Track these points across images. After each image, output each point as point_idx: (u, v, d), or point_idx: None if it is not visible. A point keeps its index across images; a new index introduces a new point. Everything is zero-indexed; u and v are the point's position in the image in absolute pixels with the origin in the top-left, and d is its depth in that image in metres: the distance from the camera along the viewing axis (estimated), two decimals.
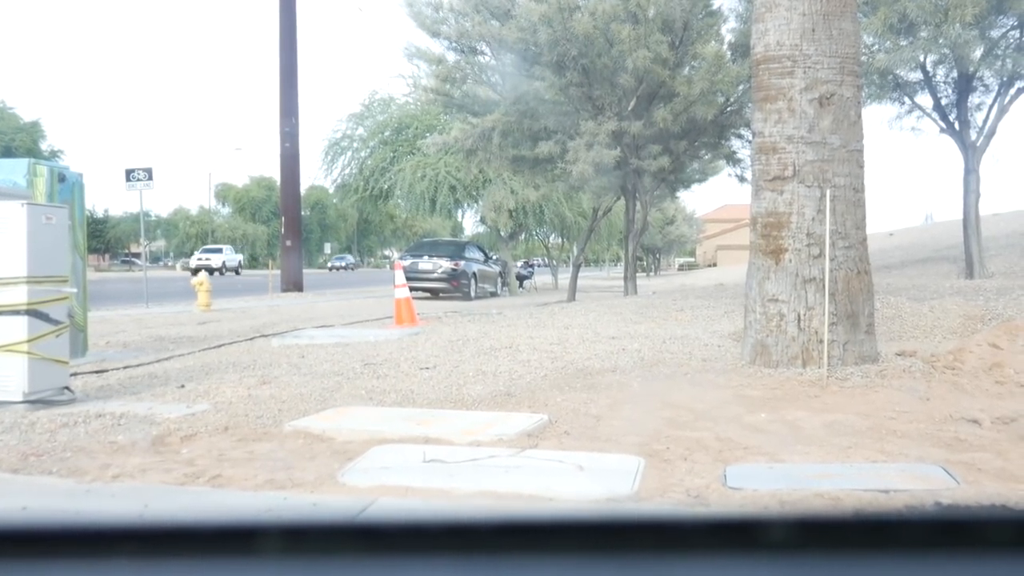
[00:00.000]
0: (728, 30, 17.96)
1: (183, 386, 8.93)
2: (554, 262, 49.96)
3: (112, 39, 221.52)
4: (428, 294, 28.35)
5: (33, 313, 7.77)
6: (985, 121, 16.40)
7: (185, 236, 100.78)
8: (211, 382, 9.12)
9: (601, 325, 12.20)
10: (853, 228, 8.25)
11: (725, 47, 16.53)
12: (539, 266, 58.72)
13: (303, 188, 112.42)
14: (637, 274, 22.13)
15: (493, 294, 32.49)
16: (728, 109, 17.85)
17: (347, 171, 35.98)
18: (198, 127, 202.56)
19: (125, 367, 10.52)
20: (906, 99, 17.03)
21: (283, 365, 10.19)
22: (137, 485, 5.43)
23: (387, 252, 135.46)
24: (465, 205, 34.51)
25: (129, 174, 25.84)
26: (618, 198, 24.16)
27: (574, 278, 25.22)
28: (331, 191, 39.23)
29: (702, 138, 18.63)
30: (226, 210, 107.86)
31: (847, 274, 8.14)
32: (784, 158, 8.21)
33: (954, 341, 9.57)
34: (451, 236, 70.40)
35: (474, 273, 30.14)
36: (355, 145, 36.02)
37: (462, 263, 29.28)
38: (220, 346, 12.51)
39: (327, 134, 38.76)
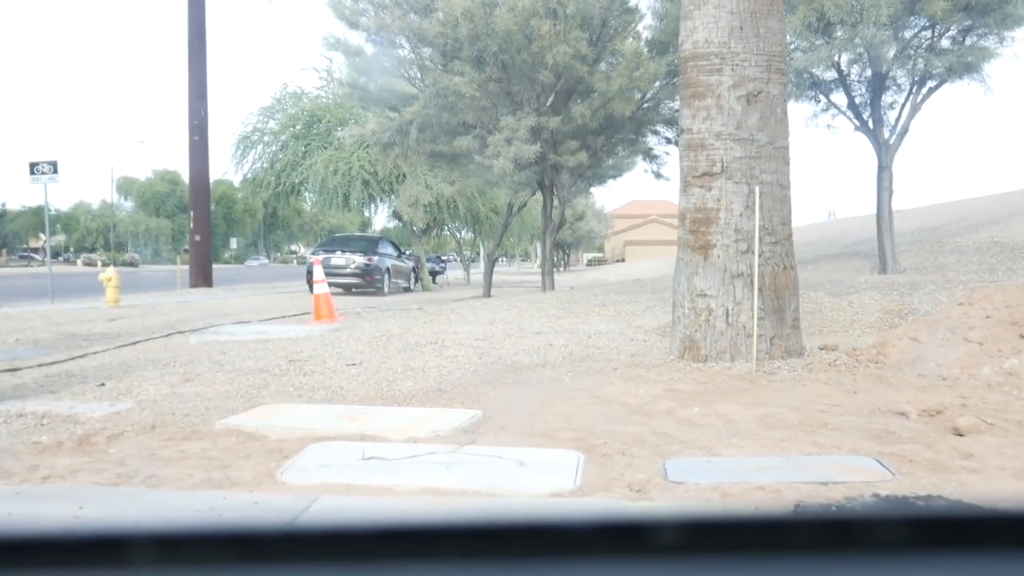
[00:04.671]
0: (645, 27, 18.12)
1: (103, 384, 8.71)
2: (466, 257, 49.96)
3: (6, 24, 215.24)
4: (341, 290, 28.07)
5: None
6: (898, 120, 16.81)
7: (86, 231, 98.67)
8: (132, 380, 8.91)
9: (525, 320, 12.22)
10: (780, 224, 8.38)
11: (643, 44, 16.63)
12: (450, 261, 58.65)
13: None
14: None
15: (406, 289, 32.34)
16: (645, 106, 17.99)
17: (257, 165, 35.46)
18: (99, 119, 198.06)
19: (39, 365, 10.23)
20: (822, 97, 17.36)
21: (204, 362, 10.01)
22: (69, 486, 5.28)
23: (294, 247, 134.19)
24: (378, 200, 34.19)
25: (33, 167, 25.18)
26: (533, 193, 24.26)
27: (489, 273, 25.24)
28: (240, 185, 38.50)
29: (619, 134, 18.76)
30: (129, 204, 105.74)
31: (774, 270, 8.26)
32: (712, 154, 8.30)
33: (874, 335, 9.78)
34: (360, 231, 69.96)
35: (387, 268, 29.97)
36: (266, 139, 35.50)
37: (375, 258, 29.07)
38: (136, 343, 12.24)
39: (237, 128, 38.03)
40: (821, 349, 8.81)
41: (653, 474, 5.33)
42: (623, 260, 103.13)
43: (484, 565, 1.15)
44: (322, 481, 5.24)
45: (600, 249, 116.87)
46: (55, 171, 25.34)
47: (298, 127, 34.67)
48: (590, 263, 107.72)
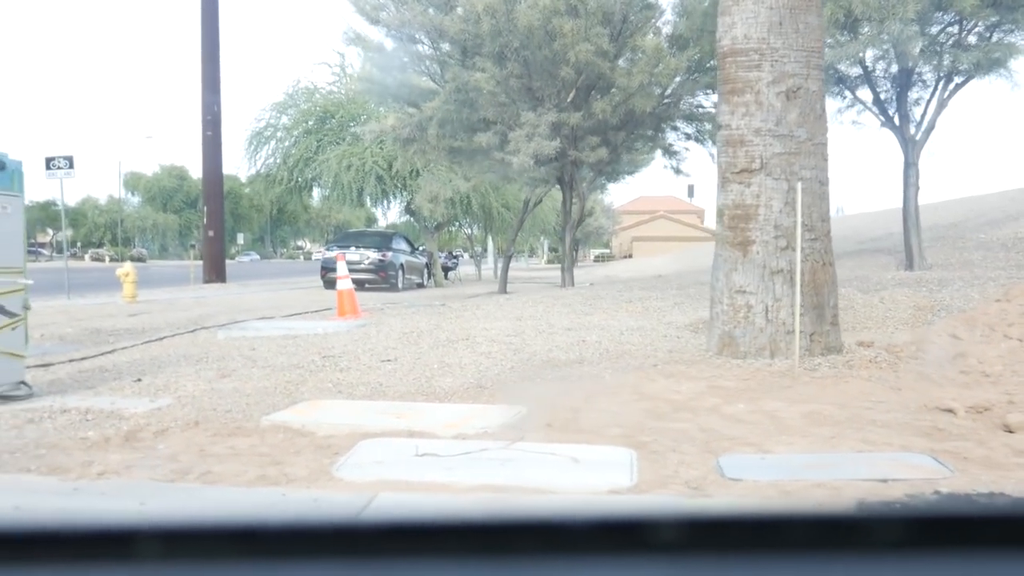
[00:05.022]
0: (664, 22, 18.08)
1: (140, 380, 8.71)
2: (477, 254, 49.96)
3: (14, 18, 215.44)
4: (354, 285, 28.03)
5: None
6: (923, 116, 16.75)
7: (93, 226, 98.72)
8: (167, 376, 8.92)
9: (553, 317, 12.21)
10: (819, 220, 8.36)
11: (663, 39, 16.59)
12: (460, 257, 58.62)
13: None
14: (553, 265, 22.27)
15: (420, 285, 32.33)
16: (666, 101, 17.97)
17: (271, 161, 35.44)
18: (106, 114, 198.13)
19: (70, 360, 10.23)
20: (848, 93, 17.31)
21: (237, 358, 10.01)
22: (125, 482, 5.28)
23: (300, 243, 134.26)
24: (391, 196, 34.14)
25: (49, 162, 25.20)
26: (549, 189, 24.25)
27: (505, 269, 25.22)
28: (252, 181, 38.36)
29: (639, 130, 18.74)
30: (136, 199, 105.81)
31: (813, 266, 8.24)
32: (752, 151, 8.28)
33: (908, 331, 9.76)
34: (365, 227, 69.88)
35: (401, 264, 29.96)
36: (279, 134, 35.47)
37: (389, 254, 29.05)
38: (162, 338, 12.24)
39: (249, 123, 38.12)
40: (859, 345, 8.78)
41: (708, 471, 5.32)
42: (630, 256, 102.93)
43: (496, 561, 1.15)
44: (378, 478, 5.24)
45: (606, 245, 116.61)
46: (71, 166, 25.33)
47: (311, 123, 34.62)
48: (597, 259, 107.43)
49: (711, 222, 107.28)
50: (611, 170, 20.21)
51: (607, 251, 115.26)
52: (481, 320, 12.38)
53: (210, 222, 33.37)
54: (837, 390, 7.29)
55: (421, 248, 34.38)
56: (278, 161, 34.90)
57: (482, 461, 5.54)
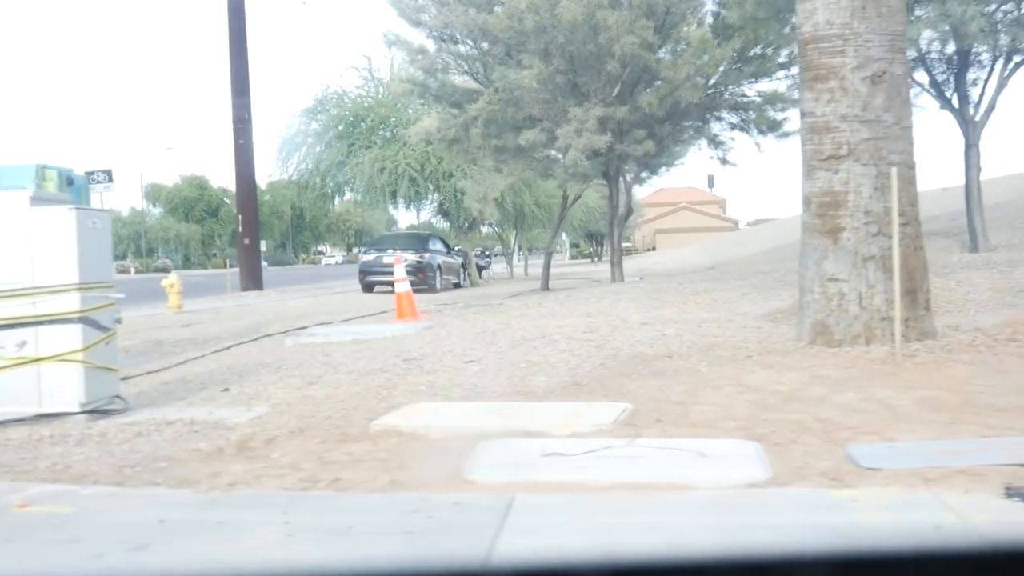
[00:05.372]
0: (707, 12, 17.99)
1: (227, 389, 8.73)
2: (510, 252, 49.96)
3: (31, 31, 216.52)
4: (391, 288, 28.01)
5: (85, 321, 7.53)
6: (981, 96, 16.60)
7: (117, 238, 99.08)
8: (253, 384, 8.93)
9: (621, 312, 12.13)
10: (908, 205, 8.28)
11: (707, 29, 16.49)
12: (491, 257, 58.60)
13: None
14: (577, 261, 22.18)
15: (457, 285, 32.33)
16: (711, 92, 17.89)
17: (302, 166, 35.51)
18: (126, 126, 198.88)
19: (147, 373, 10.28)
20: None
21: (315, 364, 10.00)
22: (256, 492, 5.27)
23: (321, 248, 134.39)
24: (424, 197, 34.15)
25: (89, 176, 25.38)
26: (587, 185, 24.26)
27: (547, 266, 25.23)
28: (286, 186, 38.27)
29: (684, 121, 18.68)
30: (157, 210, 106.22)
31: (905, 251, 8.16)
32: (838, 137, 8.21)
33: (991, 314, 9.67)
34: (389, 230, 69.96)
35: (439, 265, 30.01)
36: (309, 140, 35.53)
37: (427, 255, 29.08)
38: (229, 348, 12.28)
39: (279, 130, 38.06)
40: (949, 329, 8.71)
41: (839, 461, 5.27)
42: (654, 249, 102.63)
43: None
44: (511, 479, 5.21)
45: (627, 239, 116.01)
46: (110, 179, 25.62)
47: (341, 127, 34.64)
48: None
49: (733, 211, 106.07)
50: (655, 163, 20.12)
51: (628, 244, 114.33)
52: (548, 318, 12.33)
53: (245, 230, 33.38)
54: (943, 375, 7.21)
55: (456, 248, 34.41)
56: (310, 167, 34.97)
57: (610, 459, 5.50)
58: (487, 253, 47.85)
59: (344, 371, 9.38)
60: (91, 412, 7.45)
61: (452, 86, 18.56)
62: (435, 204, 35.96)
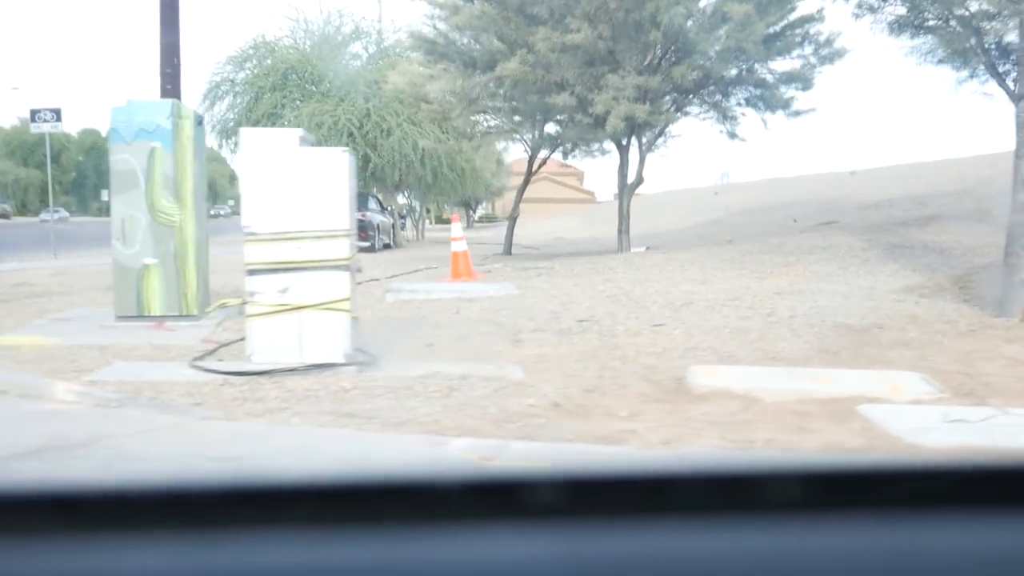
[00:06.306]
0: None
1: (431, 344, 8.47)
2: (418, 216, 49.54)
3: None
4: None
5: (348, 268, 7.23)
6: None
7: None
8: (443, 340, 8.67)
9: (721, 281, 12.01)
10: None
11: (751, 5, 16.60)
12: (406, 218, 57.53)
13: (75, 130, 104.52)
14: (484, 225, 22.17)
15: (387, 246, 31.92)
16: (743, 66, 18.04)
17: (229, 116, 34.32)
18: None
19: None
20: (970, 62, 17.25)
21: (464, 322, 9.78)
22: (701, 448, 5.21)
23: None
24: (360, 153, 33.41)
25: (35, 114, 24.08)
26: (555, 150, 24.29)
27: (510, 230, 25.19)
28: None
29: (707, 94, 18.81)
30: None
31: None
32: None
33: None
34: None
35: (377, 224, 29.61)
36: (236, 89, 34.41)
37: (368, 214, 28.59)
38: None
39: (205, 78, 36.68)
40: None
41: None
42: (517, 217, 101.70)
43: None
44: (941, 443, 5.25)
45: (487, 206, 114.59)
46: (58, 118, 24.29)
47: (273, 78, 33.62)
48: (480, 220, 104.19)
49: (589, 183, 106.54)
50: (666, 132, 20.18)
51: (485, 212, 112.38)
52: (653, 283, 12.18)
53: None
54: None
55: (389, 208, 33.95)
56: (238, 117, 33.82)
57: (1005, 427, 5.60)
58: (403, 215, 47.23)
59: (511, 329, 9.19)
60: (353, 364, 7.15)
61: (467, 46, 18.32)
62: (363, 161, 35.22)
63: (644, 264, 14.53)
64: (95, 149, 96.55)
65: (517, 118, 20.54)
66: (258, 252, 7.06)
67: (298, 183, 7.07)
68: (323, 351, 7.06)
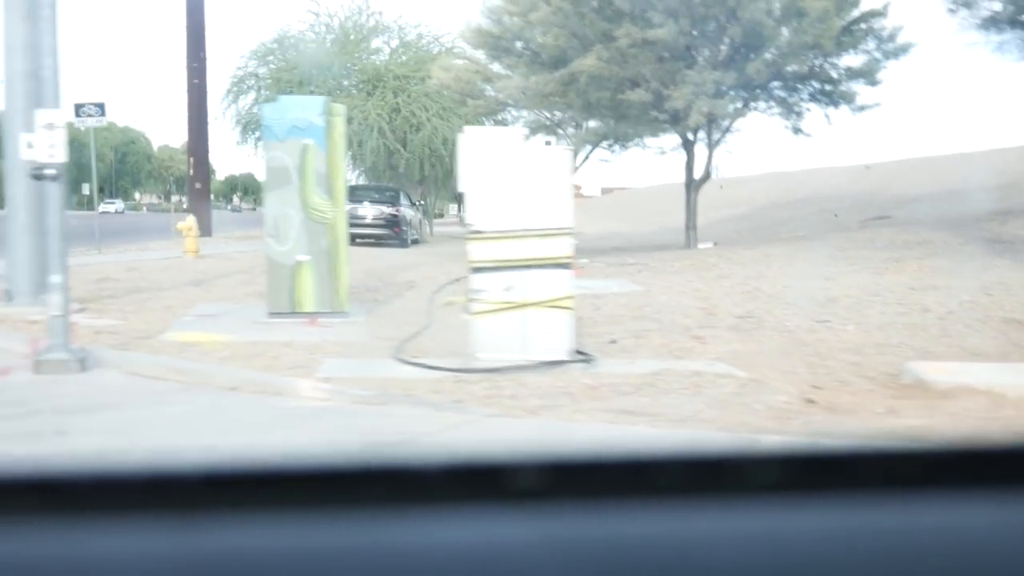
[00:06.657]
0: None
1: (614, 341, 8.51)
2: (430, 211, 49.45)
3: None
4: (372, 240, 27.24)
5: (570, 266, 7.30)
6: None
7: None
8: (622, 338, 8.71)
9: (844, 277, 12.01)
10: None
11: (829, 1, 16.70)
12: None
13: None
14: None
15: (415, 241, 31.90)
16: (816, 63, 18.13)
17: (254, 110, 34.21)
18: None
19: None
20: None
21: (627, 320, 9.81)
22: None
23: (138, 194, 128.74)
24: (391, 149, 33.29)
25: (79, 109, 23.93)
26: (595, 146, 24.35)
27: None
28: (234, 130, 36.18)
29: (777, 89, 18.90)
30: None
31: None
32: None
33: None
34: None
35: (409, 220, 29.62)
36: (262, 84, 34.31)
37: (400, 209, 28.59)
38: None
39: (230, 73, 36.59)
40: None
41: None
42: None
43: None
44: None
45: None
46: (103, 113, 24.21)
47: (299, 72, 33.50)
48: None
49: (575, 178, 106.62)
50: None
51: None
52: (759, 279, 12.22)
53: (196, 173, 32.12)
54: None
55: (417, 203, 33.99)
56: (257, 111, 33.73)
57: None
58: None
59: (678, 326, 9.26)
60: (577, 361, 7.21)
61: (536, 43, 18.37)
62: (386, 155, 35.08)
63: (742, 260, 14.59)
64: (74, 142, 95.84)
65: (590, 121, 20.60)
66: (483, 250, 7.10)
67: (522, 181, 7.11)
68: (548, 348, 7.12)
